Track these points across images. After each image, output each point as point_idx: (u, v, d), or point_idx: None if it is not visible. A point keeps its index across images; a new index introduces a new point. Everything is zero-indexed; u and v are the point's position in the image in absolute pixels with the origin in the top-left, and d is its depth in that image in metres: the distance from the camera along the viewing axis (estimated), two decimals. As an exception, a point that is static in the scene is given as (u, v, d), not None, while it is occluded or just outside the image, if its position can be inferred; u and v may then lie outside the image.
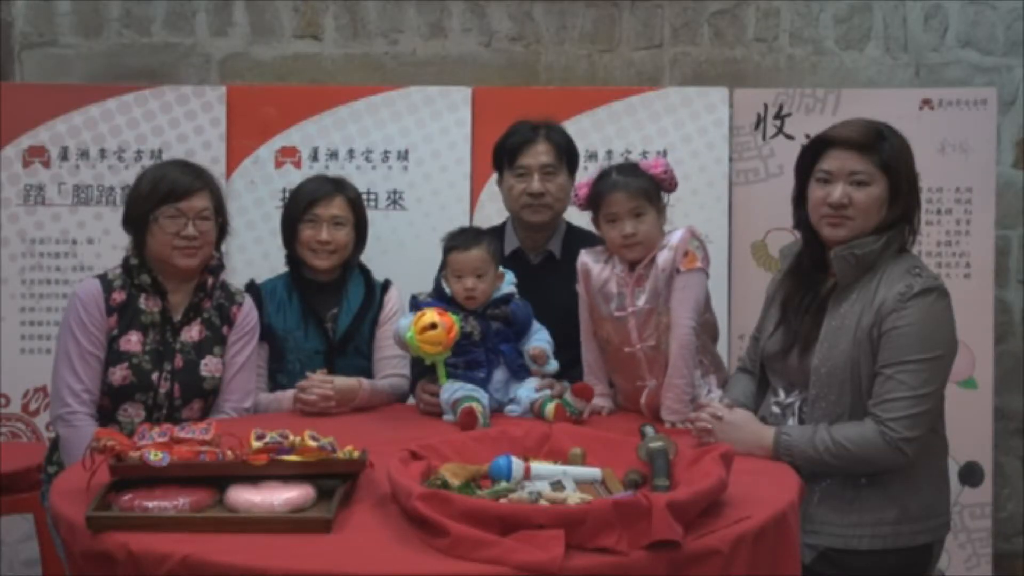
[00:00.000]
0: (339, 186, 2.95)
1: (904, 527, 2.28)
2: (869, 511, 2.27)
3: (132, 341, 2.61)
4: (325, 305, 2.88)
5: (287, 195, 3.55)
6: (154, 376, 2.61)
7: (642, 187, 2.58)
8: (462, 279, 2.70)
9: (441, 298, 2.73)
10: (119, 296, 2.63)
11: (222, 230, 2.73)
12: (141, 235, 2.63)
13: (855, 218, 2.30)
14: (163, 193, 2.60)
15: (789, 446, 2.25)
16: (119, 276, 2.66)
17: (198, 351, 2.67)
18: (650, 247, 2.57)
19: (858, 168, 2.30)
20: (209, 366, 2.67)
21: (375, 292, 2.96)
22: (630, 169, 2.64)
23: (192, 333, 2.67)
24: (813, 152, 2.38)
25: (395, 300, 2.96)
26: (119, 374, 2.59)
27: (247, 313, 2.77)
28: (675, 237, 2.56)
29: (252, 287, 2.93)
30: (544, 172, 2.93)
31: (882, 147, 2.30)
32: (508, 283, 2.76)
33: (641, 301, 2.55)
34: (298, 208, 2.91)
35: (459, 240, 2.75)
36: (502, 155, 3.00)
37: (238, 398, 2.73)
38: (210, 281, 2.70)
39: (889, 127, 2.35)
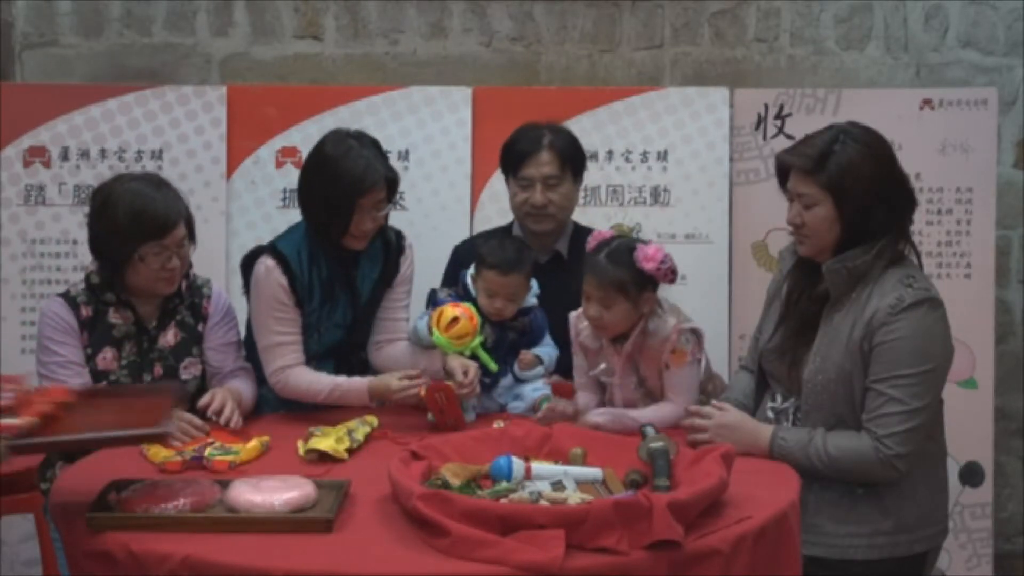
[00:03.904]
0: (385, 168, 2.69)
1: (900, 537, 2.28)
2: (866, 521, 2.27)
3: (107, 359, 2.56)
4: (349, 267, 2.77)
5: (287, 194, 3.59)
6: None
7: (617, 279, 2.44)
8: (493, 299, 2.68)
9: (465, 297, 2.71)
10: (86, 311, 2.56)
11: (191, 237, 2.61)
12: (118, 265, 2.53)
13: (811, 236, 2.34)
14: (147, 230, 2.47)
15: (783, 451, 2.26)
16: (82, 292, 2.58)
17: (176, 355, 2.63)
18: (619, 329, 2.50)
19: (803, 191, 2.32)
20: (189, 368, 2.64)
21: (392, 255, 2.83)
22: (619, 254, 2.47)
23: (168, 338, 2.63)
24: (780, 172, 2.41)
25: (410, 261, 2.85)
26: None
27: (216, 301, 2.71)
28: (664, 331, 2.47)
29: (276, 253, 2.70)
30: (547, 183, 2.91)
31: (827, 168, 2.28)
32: (532, 295, 2.75)
33: (631, 384, 2.50)
34: (349, 197, 2.62)
35: (500, 259, 2.66)
36: (507, 160, 2.98)
37: (232, 360, 2.70)
38: (183, 285, 2.64)
39: (847, 142, 2.29)
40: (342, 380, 2.68)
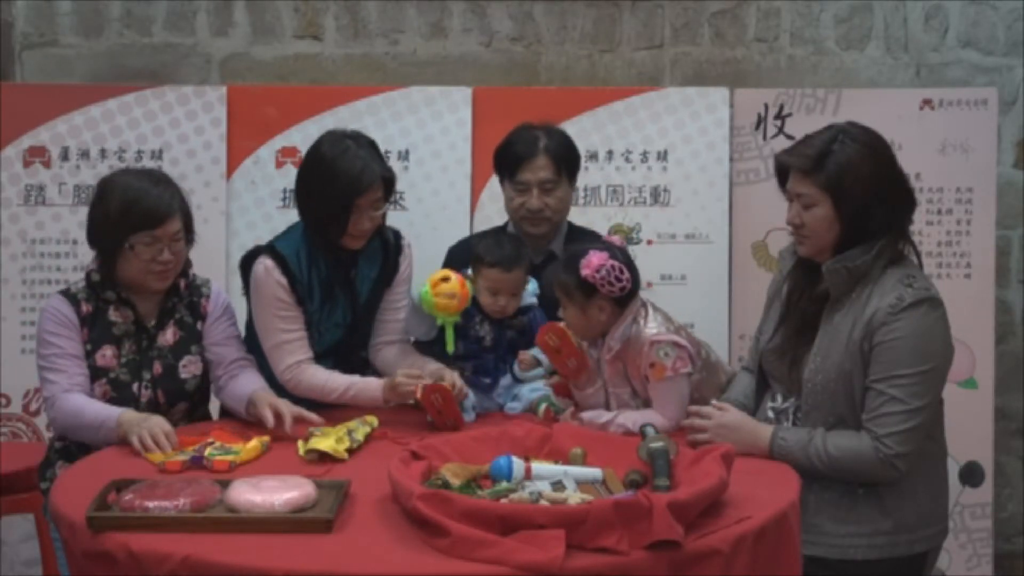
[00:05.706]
0: (382, 167, 2.69)
1: (901, 537, 2.28)
2: (866, 521, 2.27)
3: (107, 356, 2.56)
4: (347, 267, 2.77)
5: (287, 194, 3.59)
6: (134, 387, 2.56)
7: (562, 282, 2.46)
8: (497, 296, 2.66)
9: None
10: (86, 308, 2.56)
11: (189, 235, 2.61)
12: (110, 257, 2.53)
13: (810, 236, 2.33)
14: (137, 220, 2.48)
15: (783, 451, 2.26)
16: (83, 290, 2.58)
17: (175, 354, 2.62)
18: (583, 333, 2.50)
19: (802, 191, 2.32)
20: (188, 367, 2.63)
21: (391, 255, 2.83)
22: (572, 258, 2.46)
23: (167, 337, 2.62)
24: (779, 172, 2.41)
25: (409, 261, 2.85)
26: (98, 391, 2.54)
27: (215, 300, 2.70)
28: (639, 340, 2.42)
29: (275, 254, 2.69)
30: (543, 188, 2.91)
31: (825, 168, 2.28)
32: (531, 293, 2.74)
33: (626, 395, 2.49)
34: (346, 196, 2.61)
35: (500, 257, 2.65)
36: (502, 163, 2.98)
37: (235, 349, 2.70)
38: (182, 284, 2.64)
39: (845, 142, 2.29)
40: (357, 379, 2.67)
